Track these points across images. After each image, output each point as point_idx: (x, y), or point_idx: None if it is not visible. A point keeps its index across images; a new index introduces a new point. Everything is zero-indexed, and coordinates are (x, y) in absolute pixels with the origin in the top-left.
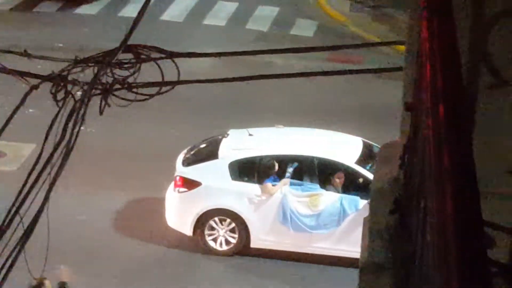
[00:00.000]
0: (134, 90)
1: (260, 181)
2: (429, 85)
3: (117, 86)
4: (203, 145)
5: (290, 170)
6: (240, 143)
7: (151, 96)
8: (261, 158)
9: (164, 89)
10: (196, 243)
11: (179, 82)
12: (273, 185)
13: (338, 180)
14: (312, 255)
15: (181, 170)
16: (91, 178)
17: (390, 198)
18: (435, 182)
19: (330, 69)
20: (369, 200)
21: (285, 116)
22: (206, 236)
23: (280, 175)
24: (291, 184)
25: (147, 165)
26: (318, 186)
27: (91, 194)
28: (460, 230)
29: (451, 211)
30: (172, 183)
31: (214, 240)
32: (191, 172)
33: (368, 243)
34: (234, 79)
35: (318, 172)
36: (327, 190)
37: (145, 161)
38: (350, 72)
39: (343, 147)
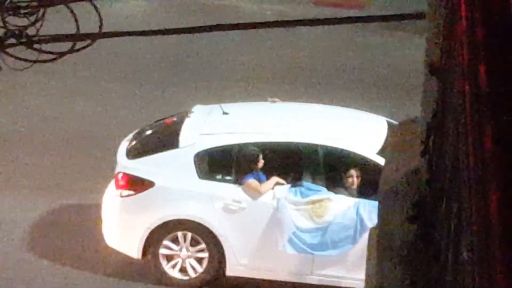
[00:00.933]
0: (37, 46)
1: (240, 179)
2: (465, 38)
3: (12, 40)
4: (156, 129)
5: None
6: (211, 126)
7: (62, 54)
8: (241, 147)
9: (80, 44)
10: (146, 270)
11: (102, 35)
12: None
13: (353, 179)
14: (315, 287)
15: (124, 164)
16: None
17: (407, 200)
18: (475, 175)
19: (317, 17)
20: (379, 206)
21: (259, 84)
22: (162, 260)
23: (268, 172)
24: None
25: (73, 158)
26: (324, 188)
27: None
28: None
29: (497, 218)
30: (112, 184)
31: (173, 265)
32: (140, 167)
33: (376, 265)
34: (186, 30)
35: (325, 167)
36: (337, 193)
37: (70, 152)
38: (346, 20)
39: (361, 132)
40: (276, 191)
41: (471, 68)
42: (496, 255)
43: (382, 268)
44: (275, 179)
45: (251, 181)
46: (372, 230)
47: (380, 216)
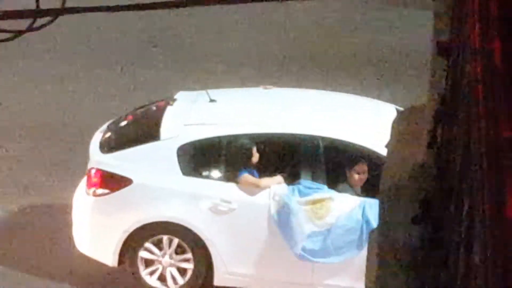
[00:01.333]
0: None
1: (230, 176)
2: (478, 13)
3: None
4: (133, 119)
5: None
6: (196, 115)
7: (20, 33)
8: (231, 139)
9: (40, 22)
10: (123, 279)
11: (66, 11)
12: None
13: (358, 175)
14: None
15: (98, 159)
16: None
17: (413, 198)
18: (489, 167)
19: None
20: (379, 205)
21: (248, 69)
22: (141, 268)
23: (261, 168)
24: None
25: (39, 152)
26: (325, 186)
27: None
28: None
29: None
30: (84, 181)
31: (153, 273)
32: (115, 163)
33: (376, 271)
34: (161, 5)
35: (326, 162)
36: (340, 192)
37: (35, 146)
38: None
39: (367, 122)
40: (275, 190)
41: (484, 47)
42: None
43: (383, 275)
44: (276, 179)
45: (247, 176)
46: (372, 232)
47: (381, 216)
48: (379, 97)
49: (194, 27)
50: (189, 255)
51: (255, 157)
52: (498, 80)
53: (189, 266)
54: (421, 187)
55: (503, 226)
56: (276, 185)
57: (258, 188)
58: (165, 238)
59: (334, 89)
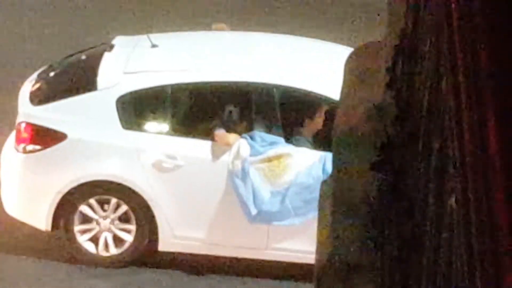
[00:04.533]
0: None
1: (178, 129)
2: None
3: None
4: (67, 67)
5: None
6: (137, 62)
7: None
8: (176, 88)
9: None
10: (58, 245)
11: None
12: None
13: (314, 123)
14: (271, 263)
15: (28, 111)
16: None
17: (371, 142)
18: (468, 101)
19: None
20: (333, 151)
21: (197, 9)
22: (77, 233)
23: (211, 120)
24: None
25: None
26: (282, 139)
27: None
28: None
29: (496, 149)
30: (12, 136)
31: (92, 239)
32: (48, 116)
33: (330, 225)
34: None
35: (282, 113)
36: (296, 145)
37: None
38: None
39: (325, 68)
40: (238, 147)
41: None
42: (497, 195)
43: (337, 229)
44: (235, 135)
45: (221, 133)
46: (324, 183)
47: (335, 164)
48: (341, 40)
49: None
50: (131, 227)
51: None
52: (475, 6)
53: (128, 238)
54: (380, 130)
55: (486, 163)
56: (238, 140)
57: (229, 146)
58: (113, 201)
59: (294, 32)
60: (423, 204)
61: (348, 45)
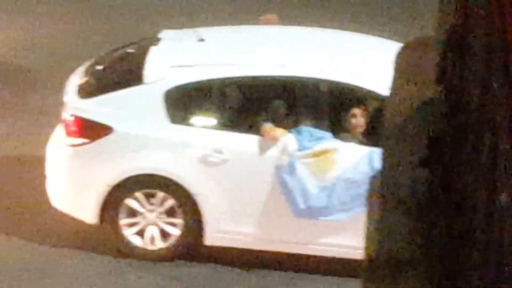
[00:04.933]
0: None
1: (225, 124)
2: None
3: None
4: (114, 59)
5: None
6: (184, 55)
7: None
8: (223, 82)
9: None
10: (104, 239)
11: None
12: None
13: (356, 119)
14: (318, 258)
15: (75, 105)
16: None
17: (420, 138)
18: None
19: None
20: (382, 147)
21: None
22: (123, 227)
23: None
24: None
25: (3, 96)
26: (329, 133)
27: None
28: None
29: None
30: (58, 129)
31: (139, 232)
32: (95, 109)
33: (379, 223)
34: None
35: (329, 108)
36: (344, 141)
37: None
38: None
39: (375, 62)
40: (285, 142)
41: None
42: None
43: (385, 224)
44: (282, 130)
45: (268, 127)
46: (373, 179)
47: (384, 160)
48: (389, 35)
49: None
50: (177, 220)
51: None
52: None
53: (178, 220)
54: (430, 126)
55: None
56: (284, 136)
57: (276, 141)
58: (159, 194)
59: (341, 27)
60: (473, 199)
61: (398, 40)
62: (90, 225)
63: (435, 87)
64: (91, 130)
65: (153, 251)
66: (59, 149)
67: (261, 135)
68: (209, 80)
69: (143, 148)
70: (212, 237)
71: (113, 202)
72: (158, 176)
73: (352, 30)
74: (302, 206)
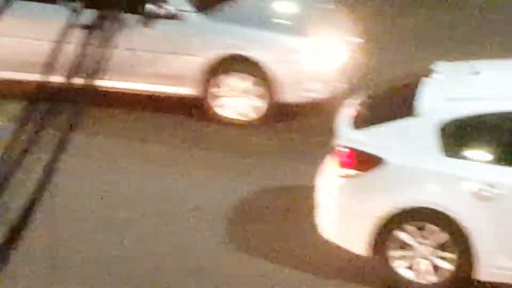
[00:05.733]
0: None
1: (500, 158)
2: None
3: None
4: (387, 91)
5: None
6: (459, 88)
7: None
8: (498, 116)
9: None
10: (373, 271)
11: None
12: None
13: None
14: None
15: (348, 135)
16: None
17: None
18: None
19: None
20: None
21: None
22: (392, 259)
23: None
24: None
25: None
26: None
27: (209, 178)
28: None
29: None
30: (330, 161)
31: (408, 265)
32: (367, 140)
33: None
34: None
35: None
36: None
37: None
38: None
39: None
40: None
41: None
42: None
43: None
44: None
45: None
46: None
47: None
48: None
49: None
50: (450, 255)
51: None
52: None
53: (447, 266)
54: None
55: None
56: None
57: None
58: (430, 227)
59: None
60: None
61: None
62: (356, 256)
63: None
64: (363, 162)
65: (424, 285)
66: (331, 180)
67: None
68: (483, 114)
69: (415, 181)
70: (486, 272)
71: (382, 234)
72: (429, 209)
73: None
74: None
